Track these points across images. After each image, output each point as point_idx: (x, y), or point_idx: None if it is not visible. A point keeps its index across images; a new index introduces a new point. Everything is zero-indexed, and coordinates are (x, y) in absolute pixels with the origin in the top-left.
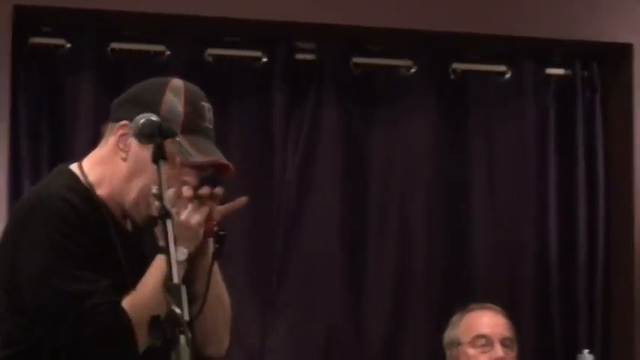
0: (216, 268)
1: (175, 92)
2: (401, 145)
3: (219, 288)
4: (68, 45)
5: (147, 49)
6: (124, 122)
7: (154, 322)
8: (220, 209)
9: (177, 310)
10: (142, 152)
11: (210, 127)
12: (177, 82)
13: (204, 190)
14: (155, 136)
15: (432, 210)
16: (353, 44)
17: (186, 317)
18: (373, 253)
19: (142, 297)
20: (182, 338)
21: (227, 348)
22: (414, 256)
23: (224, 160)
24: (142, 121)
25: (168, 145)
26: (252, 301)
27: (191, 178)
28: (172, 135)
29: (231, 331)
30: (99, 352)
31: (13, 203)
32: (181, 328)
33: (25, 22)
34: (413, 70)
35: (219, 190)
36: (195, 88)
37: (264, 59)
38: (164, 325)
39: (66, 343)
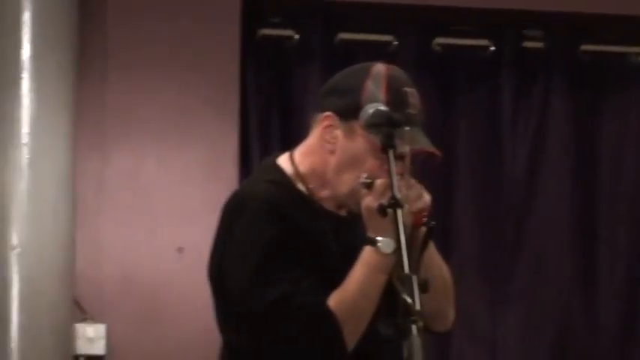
0: (432, 247)
1: (376, 79)
2: (631, 133)
3: (437, 268)
4: (296, 36)
5: (375, 40)
6: (327, 113)
7: (386, 311)
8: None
9: (409, 300)
10: (350, 144)
11: (414, 112)
12: (378, 68)
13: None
14: (383, 126)
15: None
16: (581, 31)
17: (418, 307)
18: (605, 242)
19: (348, 293)
20: (414, 328)
21: (453, 320)
22: None
23: (430, 148)
24: (370, 111)
25: (370, 135)
26: (482, 291)
27: (396, 167)
28: (401, 124)
29: (462, 321)
30: (306, 352)
31: None
32: (413, 318)
33: (253, 13)
34: None
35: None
36: (399, 73)
37: (492, 48)
38: (396, 315)
39: (271, 344)
